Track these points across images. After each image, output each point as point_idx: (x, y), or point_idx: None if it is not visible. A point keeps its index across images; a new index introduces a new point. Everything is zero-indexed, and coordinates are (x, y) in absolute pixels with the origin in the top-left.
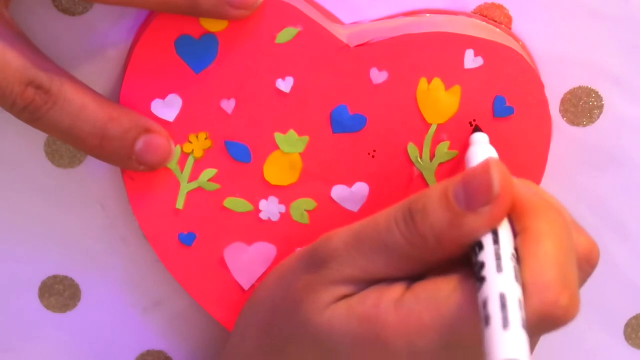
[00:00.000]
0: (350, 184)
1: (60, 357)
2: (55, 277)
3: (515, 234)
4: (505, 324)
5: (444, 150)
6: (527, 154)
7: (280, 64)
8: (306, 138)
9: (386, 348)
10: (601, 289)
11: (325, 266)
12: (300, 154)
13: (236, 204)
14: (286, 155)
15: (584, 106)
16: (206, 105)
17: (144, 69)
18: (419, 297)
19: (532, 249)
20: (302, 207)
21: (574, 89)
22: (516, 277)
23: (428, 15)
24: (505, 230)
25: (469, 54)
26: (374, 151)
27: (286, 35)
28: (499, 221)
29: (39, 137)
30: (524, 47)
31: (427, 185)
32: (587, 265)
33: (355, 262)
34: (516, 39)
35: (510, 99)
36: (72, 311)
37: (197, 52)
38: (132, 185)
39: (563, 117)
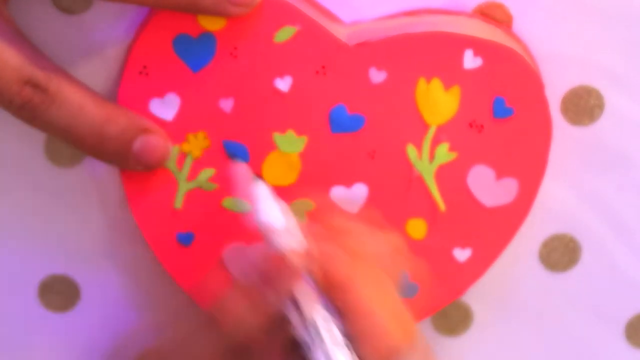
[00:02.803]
0: (349, 184)
1: (60, 357)
2: (54, 276)
3: (341, 314)
4: None
5: (444, 152)
6: (527, 155)
7: (278, 63)
8: (305, 138)
9: None
10: (601, 289)
11: None
12: (298, 154)
13: (235, 204)
14: (285, 155)
15: (584, 105)
16: (204, 104)
17: (142, 68)
18: None
19: (363, 326)
20: (301, 208)
21: (575, 87)
22: None
23: (428, 14)
24: (334, 333)
25: (468, 54)
26: (373, 152)
27: (285, 34)
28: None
29: (39, 136)
30: (524, 46)
31: (426, 186)
32: (399, 255)
33: None
34: (517, 38)
35: (510, 99)
36: (71, 310)
37: (196, 51)
38: (130, 185)
39: (564, 116)
